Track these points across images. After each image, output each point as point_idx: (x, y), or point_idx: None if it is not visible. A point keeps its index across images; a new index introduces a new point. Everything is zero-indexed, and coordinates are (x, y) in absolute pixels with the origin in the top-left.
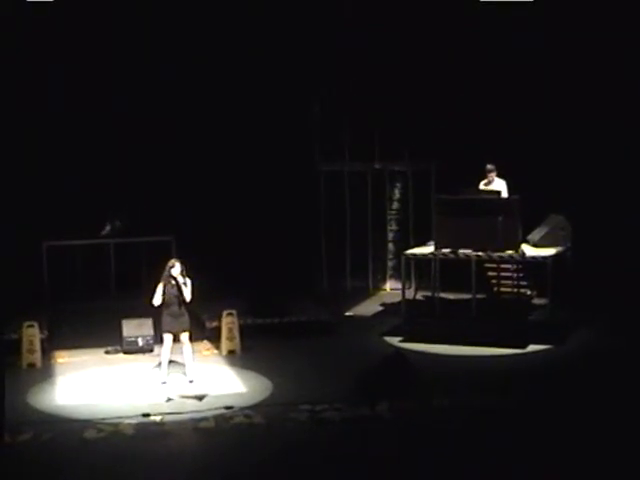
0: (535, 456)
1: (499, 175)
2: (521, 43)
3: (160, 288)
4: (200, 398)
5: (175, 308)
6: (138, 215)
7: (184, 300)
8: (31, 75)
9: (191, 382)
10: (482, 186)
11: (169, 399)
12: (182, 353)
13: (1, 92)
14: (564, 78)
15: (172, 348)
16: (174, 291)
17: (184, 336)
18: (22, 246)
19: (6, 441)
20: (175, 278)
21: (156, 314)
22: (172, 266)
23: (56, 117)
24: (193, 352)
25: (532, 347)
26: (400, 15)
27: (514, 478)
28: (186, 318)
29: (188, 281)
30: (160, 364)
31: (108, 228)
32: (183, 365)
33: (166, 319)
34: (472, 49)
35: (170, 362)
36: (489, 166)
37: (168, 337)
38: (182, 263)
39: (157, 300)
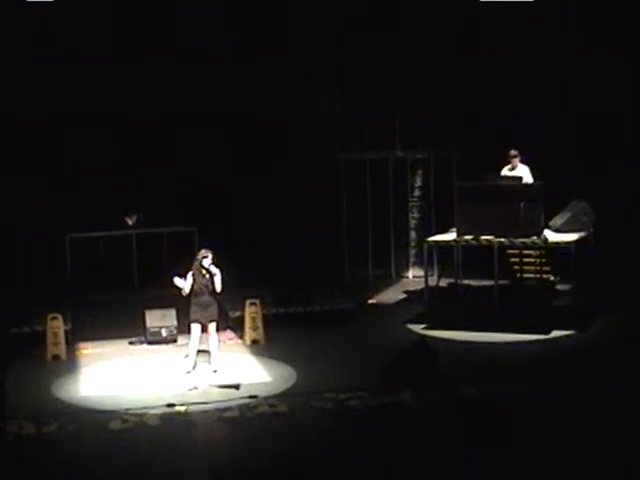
0: (560, 443)
1: (522, 161)
2: (536, 37)
3: (190, 278)
4: (237, 387)
5: (204, 298)
6: (160, 206)
7: (214, 290)
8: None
9: (215, 372)
10: (506, 171)
11: (194, 387)
12: (208, 343)
13: (15, 90)
14: (586, 65)
15: (200, 338)
16: (204, 281)
17: (211, 326)
18: (45, 239)
19: (32, 432)
20: (207, 268)
21: (181, 304)
22: (205, 256)
23: (71, 112)
24: (218, 342)
25: (556, 333)
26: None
27: (539, 465)
28: (214, 308)
29: (218, 271)
30: (188, 355)
31: (134, 218)
32: (209, 355)
33: (194, 309)
34: (496, 37)
35: (198, 352)
36: (513, 152)
37: (196, 327)
38: (212, 253)
39: (187, 288)
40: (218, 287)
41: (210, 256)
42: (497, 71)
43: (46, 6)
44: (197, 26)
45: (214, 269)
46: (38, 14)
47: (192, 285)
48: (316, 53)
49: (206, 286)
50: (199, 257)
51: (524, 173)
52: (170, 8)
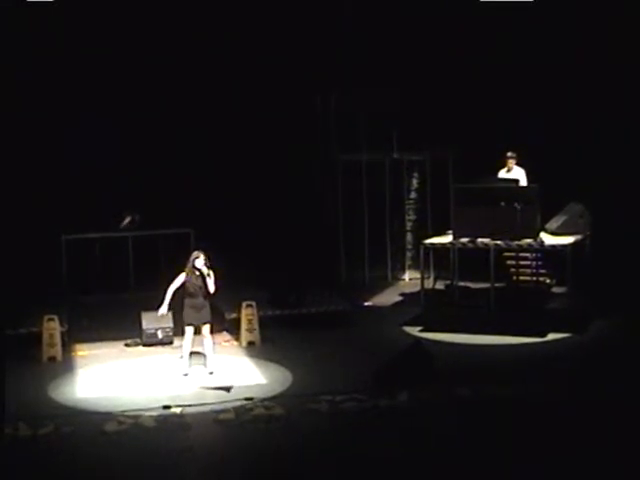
0: (557, 445)
1: (518, 164)
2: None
3: (179, 278)
4: (228, 389)
5: (198, 300)
6: (156, 207)
7: (207, 292)
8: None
9: (211, 374)
10: (503, 173)
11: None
12: (202, 345)
13: (11, 91)
14: (582, 67)
15: (193, 340)
16: (198, 282)
17: (205, 328)
18: (41, 240)
19: (27, 434)
20: (199, 270)
21: (178, 306)
22: (196, 257)
23: (69, 112)
24: (213, 344)
25: (551, 336)
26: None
27: (533, 467)
28: (207, 310)
29: (211, 272)
30: (182, 357)
31: (128, 220)
32: (204, 357)
33: (188, 311)
34: (489, 40)
35: (192, 354)
36: (510, 153)
37: (189, 329)
38: (205, 254)
39: (171, 289)
40: (211, 288)
41: (202, 257)
42: (496, 72)
43: (46, 6)
44: (197, 26)
45: (206, 270)
46: (38, 14)
47: (186, 287)
48: (315, 53)
49: (200, 287)
50: (192, 258)
51: (520, 176)
52: (170, 8)
